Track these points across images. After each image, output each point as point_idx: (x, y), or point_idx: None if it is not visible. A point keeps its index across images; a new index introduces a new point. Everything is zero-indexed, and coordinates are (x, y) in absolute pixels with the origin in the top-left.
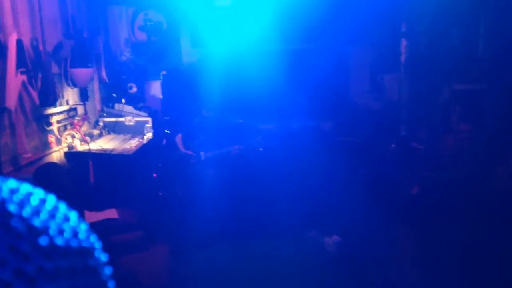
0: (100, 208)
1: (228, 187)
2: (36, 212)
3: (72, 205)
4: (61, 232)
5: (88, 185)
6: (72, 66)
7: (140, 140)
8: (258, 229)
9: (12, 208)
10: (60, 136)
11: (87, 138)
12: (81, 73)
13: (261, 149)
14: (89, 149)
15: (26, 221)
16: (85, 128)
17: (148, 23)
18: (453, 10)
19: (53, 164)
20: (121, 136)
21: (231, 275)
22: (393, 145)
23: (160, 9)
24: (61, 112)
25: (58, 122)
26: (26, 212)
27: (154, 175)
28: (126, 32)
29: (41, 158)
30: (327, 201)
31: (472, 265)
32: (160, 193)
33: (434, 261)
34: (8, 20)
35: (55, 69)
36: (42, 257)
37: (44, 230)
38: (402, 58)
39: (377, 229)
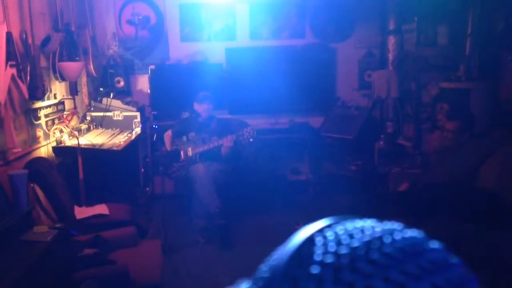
0: (89, 203)
1: (219, 181)
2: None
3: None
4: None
5: (77, 180)
6: (61, 60)
7: (129, 135)
8: (251, 225)
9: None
10: (48, 130)
11: (76, 133)
12: (70, 66)
13: (251, 140)
14: (78, 143)
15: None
16: (74, 122)
17: (136, 17)
18: (440, 9)
19: (41, 159)
20: (110, 131)
21: (222, 271)
22: (381, 142)
23: (148, 2)
24: (49, 106)
25: (46, 116)
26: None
27: (142, 170)
28: (113, 26)
29: (29, 152)
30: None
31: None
32: (148, 188)
33: None
34: None
35: (43, 62)
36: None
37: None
38: (390, 56)
39: None
